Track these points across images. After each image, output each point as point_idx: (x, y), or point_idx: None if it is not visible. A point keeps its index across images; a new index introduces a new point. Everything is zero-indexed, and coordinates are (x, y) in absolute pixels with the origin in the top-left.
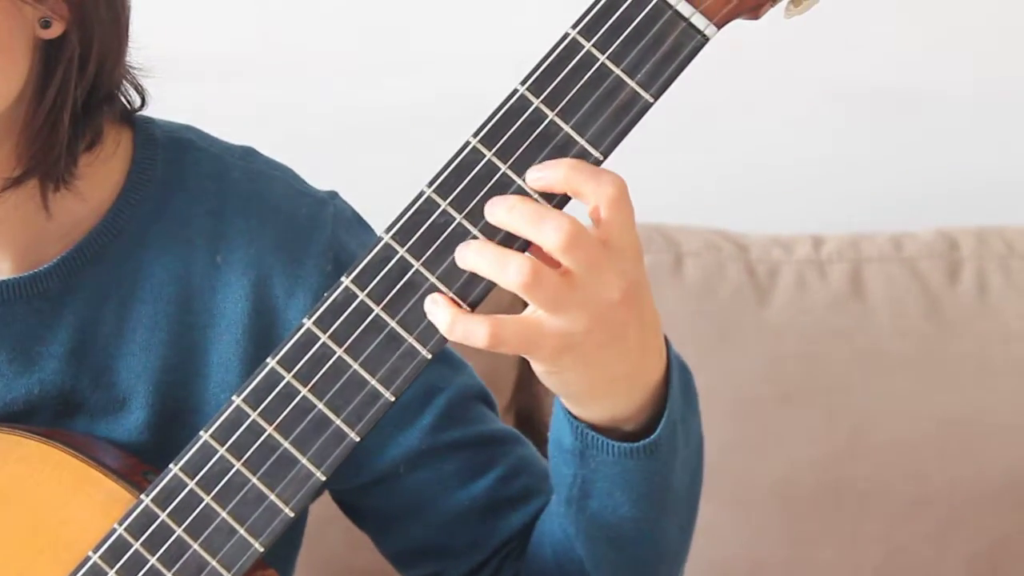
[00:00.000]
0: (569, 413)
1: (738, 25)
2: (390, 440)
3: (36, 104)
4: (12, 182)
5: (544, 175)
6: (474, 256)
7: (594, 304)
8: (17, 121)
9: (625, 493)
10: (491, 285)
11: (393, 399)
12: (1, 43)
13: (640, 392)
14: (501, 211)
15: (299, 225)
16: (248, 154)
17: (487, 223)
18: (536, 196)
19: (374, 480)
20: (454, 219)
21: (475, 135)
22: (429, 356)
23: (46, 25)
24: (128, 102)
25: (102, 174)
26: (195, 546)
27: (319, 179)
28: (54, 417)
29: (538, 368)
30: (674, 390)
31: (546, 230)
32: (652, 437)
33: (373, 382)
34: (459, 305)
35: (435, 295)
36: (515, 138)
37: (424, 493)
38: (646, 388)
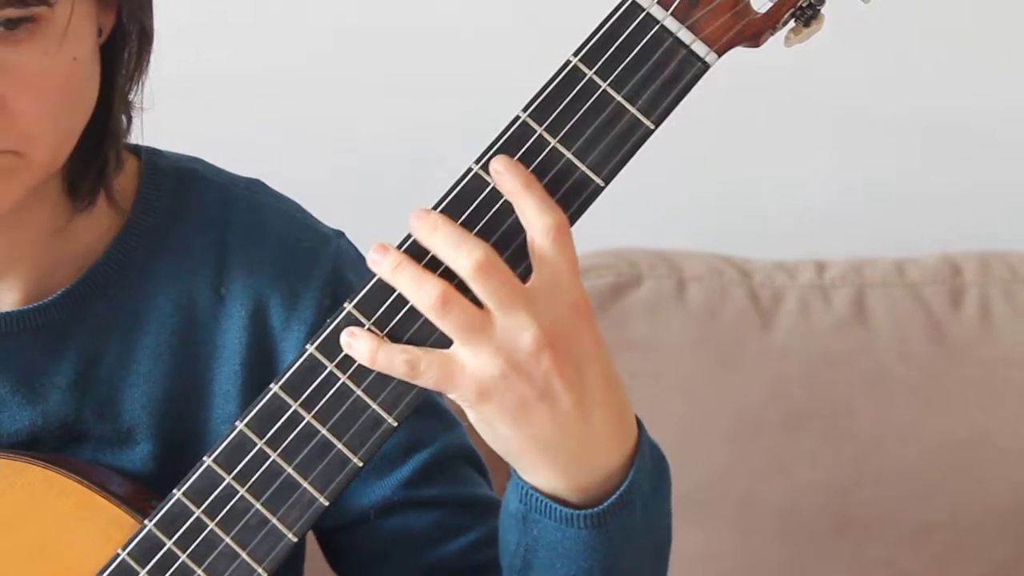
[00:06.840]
0: (516, 475)
1: (739, 52)
2: (365, 486)
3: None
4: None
5: (501, 168)
6: (391, 272)
7: (506, 347)
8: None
9: (566, 566)
10: None
11: (396, 424)
12: (86, 71)
13: (589, 472)
14: (424, 230)
15: (300, 257)
16: (254, 185)
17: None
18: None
19: (347, 523)
20: None
21: (477, 162)
22: None
23: (100, 32)
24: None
25: (107, 202)
26: (199, 571)
27: (321, 205)
28: (59, 448)
29: (470, 416)
30: (639, 475)
31: (461, 253)
32: (598, 508)
33: (375, 407)
34: (377, 335)
35: (351, 327)
36: None
37: (392, 545)
38: (596, 470)
